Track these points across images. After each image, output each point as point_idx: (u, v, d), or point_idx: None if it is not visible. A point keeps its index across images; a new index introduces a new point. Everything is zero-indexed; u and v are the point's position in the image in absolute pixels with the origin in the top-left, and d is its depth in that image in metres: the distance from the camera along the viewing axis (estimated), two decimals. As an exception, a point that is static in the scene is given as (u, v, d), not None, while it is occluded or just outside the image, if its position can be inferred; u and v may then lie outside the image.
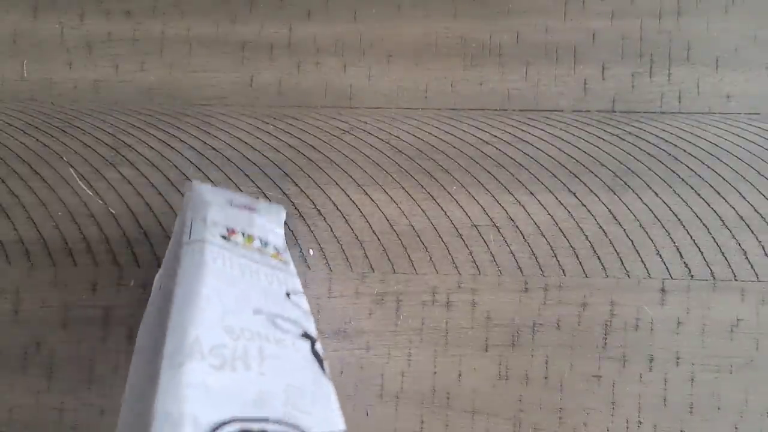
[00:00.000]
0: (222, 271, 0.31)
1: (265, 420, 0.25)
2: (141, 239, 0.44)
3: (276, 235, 0.39)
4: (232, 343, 0.27)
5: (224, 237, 0.34)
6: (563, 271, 0.43)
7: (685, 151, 0.44)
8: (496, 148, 0.44)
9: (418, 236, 0.43)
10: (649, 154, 0.44)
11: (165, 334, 0.26)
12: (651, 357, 0.42)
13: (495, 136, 0.44)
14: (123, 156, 0.45)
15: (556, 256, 0.43)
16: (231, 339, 0.27)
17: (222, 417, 0.23)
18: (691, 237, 0.43)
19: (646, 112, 0.44)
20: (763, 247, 0.43)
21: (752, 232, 0.43)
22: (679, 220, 0.43)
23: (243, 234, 0.35)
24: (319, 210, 0.44)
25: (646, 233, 0.43)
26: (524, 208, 0.43)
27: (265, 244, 0.36)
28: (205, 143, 0.45)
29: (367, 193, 0.44)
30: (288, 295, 0.33)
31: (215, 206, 0.37)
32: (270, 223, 0.39)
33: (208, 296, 0.28)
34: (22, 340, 0.43)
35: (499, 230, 0.43)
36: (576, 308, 0.42)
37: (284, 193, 0.44)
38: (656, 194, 0.43)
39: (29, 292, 0.43)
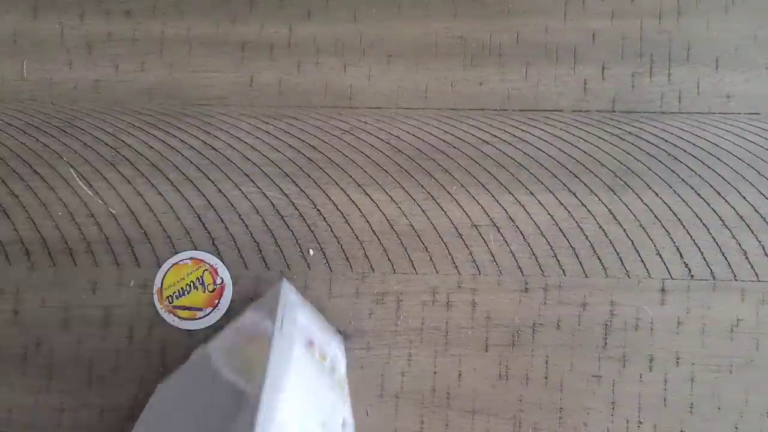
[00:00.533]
0: (303, 374, 0.32)
1: None
2: (141, 239, 0.44)
3: (342, 364, 0.40)
4: None
5: (306, 345, 0.35)
6: (563, 271, 0.43)
7: (685, 151, 0.44)
8: (496, 148, 0.44)
9: (418, 236, 0.43)
10: (649, 154, 0.44)
11: (248, 404, 0.28)
12: (651, 357, 0.42)
13: (495, 136, 0.44)
14: (123, 156, 0.45)
15: (556, 256, 0.43)
16: None
17: None
18: (691, 237, 0.43)
19: (646, 112, 0.44)
20: (763, 247, 0.43)
21: (752, 232, 0.43)
22: (679, 220, 0.43)
23: (319, 350, 0.37)
24: (319, 210, 0.44)
25: (646, 233, 0.43)
26: (524, 208, 0.43)
27: (333, 367, 0.38)
28: (205, 143, 0.45)
29: (367, 193, 0.44)
30: (343, 424, 0.35)
31: (304, 313, 0.38)
32: (339, 350, 0.41)
33: (293, 390, 0.30)
34: (22, 340, 0.43)
35: (499, 230, 0.43)
36: (576, 308, 0.42)
37: (284, 193, 0.44)
38: (656, 194, 0.43)
39: (29, 292, 0.43)
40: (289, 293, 0.38)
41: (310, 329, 0.37)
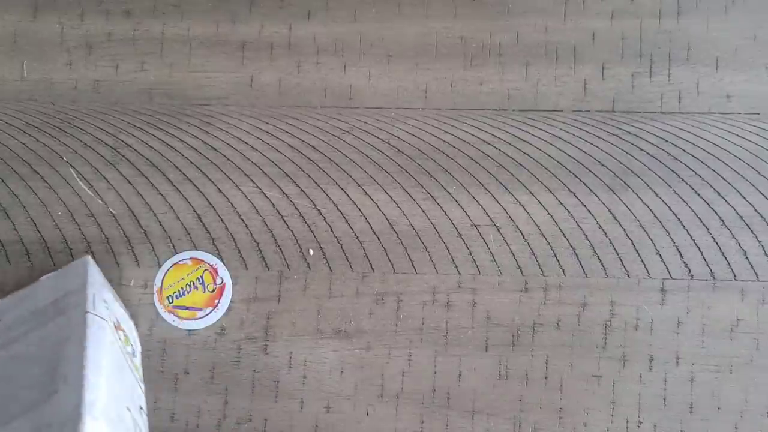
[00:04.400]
0: (114, 357, 0.33)
1: None
2: (141, 239, 0.44)
3: (139, 349, 0.41)
4: (114, 424, 0.30)
5: (115, 327, 0.36)
6: (563, 271, 0.43)
7: (685, 151, 0.44)
8: (496, 148, 0.44)
9: (418, 236, 0.43)
10: (649, 154, 0.44)
11: (68, 383, 0.29)
12: (651, 357, 0.42)
13: (495, 136, 0.44)
14: (123, 156, 0.45)
15: (556, 256, 0.43)
16: (114, 419, 0.30)
17: None
18: (691, 237, 0.43)
19: (646, 112, 0.44)
20: (763, 247, 0.43)
21: (752, 232, 0.43)
22: (679, 220, 0.43)
23: (124, 333, 0.38)
24: (319, 210, 0.44)
25: (646, 233, 0.43)
26: (524, 208, 0.43)
27: (134, 352, 0.39)
28: (205, 143, 0.45)
29: (367, 193, 0.44)
30: (141, 409, 0.36)
31: (109, 293, 0.39)
32: (137, 335, 0.41)
33: (106, 373, 0.31)
34: (22, 340, 0.43)
35: (499, 230, 0.43)
36: (576, 308, 0.42)
37: (284, 193, 0.44)
38: (656, 194, 0.43)
39: (29, 292, 0.43)
40: (94, 272, 0.38)
41: (116, 312, 0.38)
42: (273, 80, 0.45)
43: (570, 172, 0.44)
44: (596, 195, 0.43)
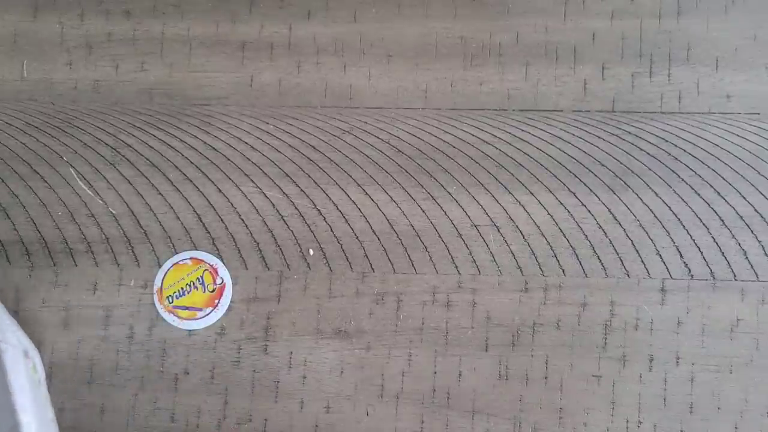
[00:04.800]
0: (30, 386, 0.34)
1: None
2: (141, 239, 0.44)
3: (43, 372, 0.41)
4: None
5: (25, 355, 0.36)
6: (563, 271, 0.43)
7: (685, 151, 0.44)
8: (496, 148, 0.44)
9: (418, 236, 0.43)
10: (649, 154, 0.44)
11: None
12: (651, 357, 0.42)
13: (495, 136, 0.44)
14: (123, 156, 0.45)
15: (556, 256, 0.43)
16: None
17: None
18: (691, 237, 0.43)
19: (646, 112, 0.44)
20: (763, 247, 0.43)
21: (752, 232, 0.43)
22: (679, 220, 0.43)
23: (32, 361, 0.38)
24: (319, 210, 0.44)
25: (646, 233, 0.43)
26: (524, 208, 0.43)
27: (40, 380, 0.39)
28: (205, 143, 0.45)
29: (367, 193, 0.44)
30: None
31: (9, 320, 0.38)
32: (40, 359, 0.41)
33: (30, 397, 0.32)
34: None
35: (499, 230, 0.43)
36: (576, 308, 0.42)
37: (284, 193, 0.44)
38: (656, 194, 0.43)
39: (29, 292, 0.43)
40: None
41: (22, 339, 0.38)
42: (273, 80, 0.45)
43: (570, 172, 0.44)
44: (596, 195, 0.43)
